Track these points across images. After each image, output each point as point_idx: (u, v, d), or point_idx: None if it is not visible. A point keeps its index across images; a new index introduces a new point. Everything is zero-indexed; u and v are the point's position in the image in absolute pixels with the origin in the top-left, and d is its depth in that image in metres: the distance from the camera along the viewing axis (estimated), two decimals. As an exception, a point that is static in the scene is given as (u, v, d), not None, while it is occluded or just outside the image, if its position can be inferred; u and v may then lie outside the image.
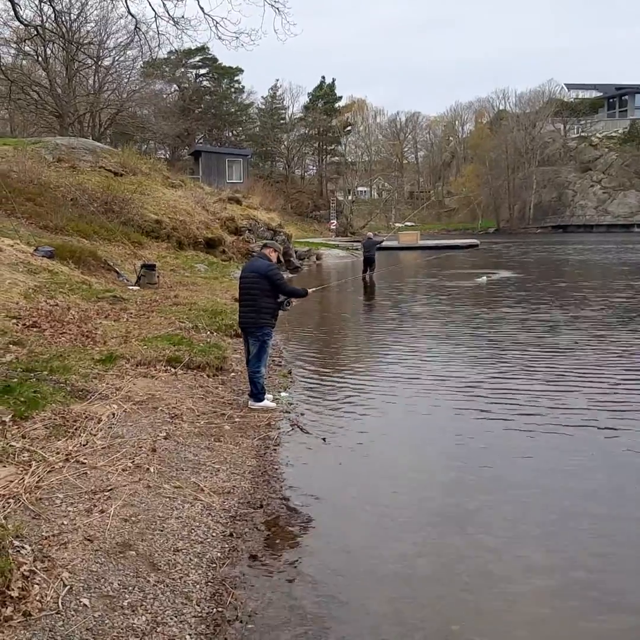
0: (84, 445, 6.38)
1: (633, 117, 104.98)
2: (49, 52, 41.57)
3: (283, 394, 9.59)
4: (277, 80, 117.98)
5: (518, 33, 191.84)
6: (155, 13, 22.65)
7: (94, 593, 4.17)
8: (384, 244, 39.01)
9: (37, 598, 3.99)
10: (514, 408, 8.86)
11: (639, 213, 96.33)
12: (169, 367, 9.68)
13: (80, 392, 7.85)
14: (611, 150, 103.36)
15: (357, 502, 6.18)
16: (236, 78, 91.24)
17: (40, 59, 42.55)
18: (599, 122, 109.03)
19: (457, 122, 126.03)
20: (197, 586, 4.49)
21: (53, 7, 26.39)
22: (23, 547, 4.42)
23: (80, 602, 4.06)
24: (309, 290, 9.25)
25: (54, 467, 5.79)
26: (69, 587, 4.17)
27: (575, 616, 4.42)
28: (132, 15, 24.74)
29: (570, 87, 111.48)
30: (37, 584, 4.11)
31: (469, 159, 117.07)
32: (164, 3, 21.93)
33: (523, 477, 6.65)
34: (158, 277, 17.49)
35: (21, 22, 25.08)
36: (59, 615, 3.90)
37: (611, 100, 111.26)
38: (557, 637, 4.29)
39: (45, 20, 31.00)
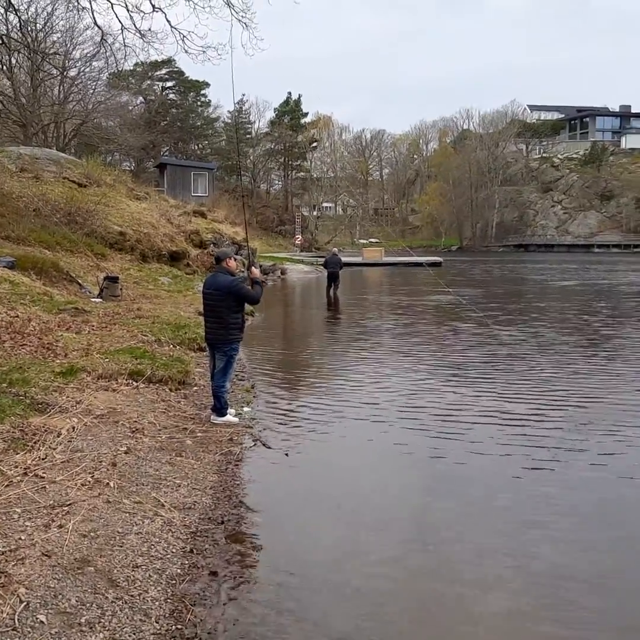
0: (43, 459, 6.30)
1: (594, 139, 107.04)
2: (13, 61, 41.16)
3: (246, 408, 9.57)
4: (244, 94, 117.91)
5: (482, 54, 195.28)
6: (122, 25, 22.53)
7: (51, 609, 4.11)
8: (349, 260, 39.22)
9: (-7, 615, 3.92)
10: (459, 417, 8.96)
11: (599, 233, 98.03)
12: (130, 381, 9.61)
13: (39, 405, 7.76)
14: (572, 171, 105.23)
15: (319, 517, 6.17)
16: (202, 92, 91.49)
17: (4, 68, 42.09)
18: (560, 143, 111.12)
19: (421, 141, 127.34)
20: (156, 603, 4.44)
21: (19, 17, 26.13)
22: (-21, 563, 4.35)
23: (37, 618, 4.00)
24: (256, 275, 8.97)
25: (11, 481, 5.71)
26: (25, 603, 4.11)
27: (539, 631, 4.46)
28: (99, 27, 24.55)
29: (533, 108, 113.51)
30: (-7, 600, 4.04)
31: (432, 177, 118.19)
32: (130, 15, 21.84)
33: (490, 496, 6.71)
34: (121, 289, 17.38)
35: (-15, 31, 24.83)
36: (15, 632, 3.84)
37: (573, 122, 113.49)
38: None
39: (10, 30, 30.70)
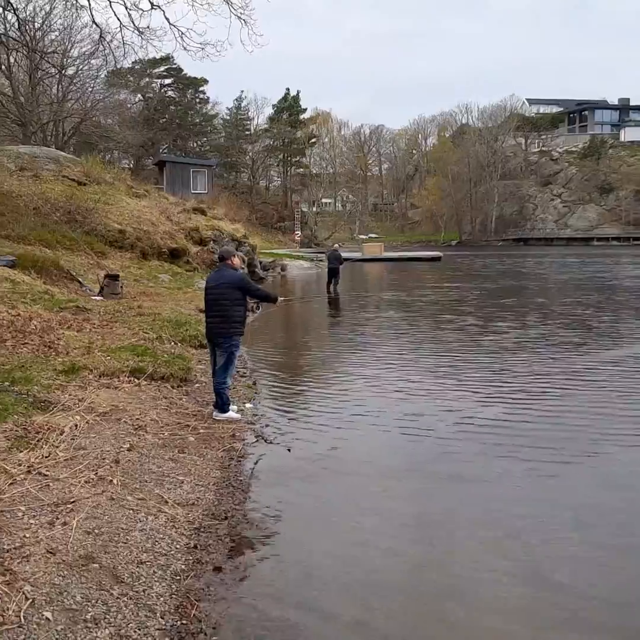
0: (46, 457, 6.31)
1: (593, 132, 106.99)
2: (12, 60, 41.14)
3: (248, 405, 9.58)
4: (242, 91, 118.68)
5: (480, 49, 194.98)
6: (120, 23, 22.45)
7: (56, 606, 4.13)
8: (349, 255, 39.26)
9: (-1, 612, 3.94)
10: (455, 410, 8.97)
11: (598, 227, 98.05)
12: (132, 378, 9.62)
13: (42, 404, 7.77)
14: (571, 164, 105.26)
15: (322, 512, 6.19)
16: (201, 88, 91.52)
17: (3, 67, 42.07)
18: (559, 136, 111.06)
19: (420, 136, 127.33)
20: (161, 599, 4.46)
21: (17, 16, 26.13)
22: (-16, 561, 4.37)
23: (42, 615, 4.01)
24: (280, 298, 9.48)
25: (15, 479, 5.72)
26: (31, 600, 4.11)
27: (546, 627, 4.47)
28: (97, 25, 24.51)
29: (532, 102, 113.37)
30: (-1, 597, 4.06)
31: (431, 172, 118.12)
32: (129, 13, 21.85)
33: (495, 487, 6.73)
34: (122, 287, 17.38)
35: (-17, 30, 24.81)
36: (21, 629, 3.85)
37: (572, 115, 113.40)
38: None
39: (8, 29, 30.72)
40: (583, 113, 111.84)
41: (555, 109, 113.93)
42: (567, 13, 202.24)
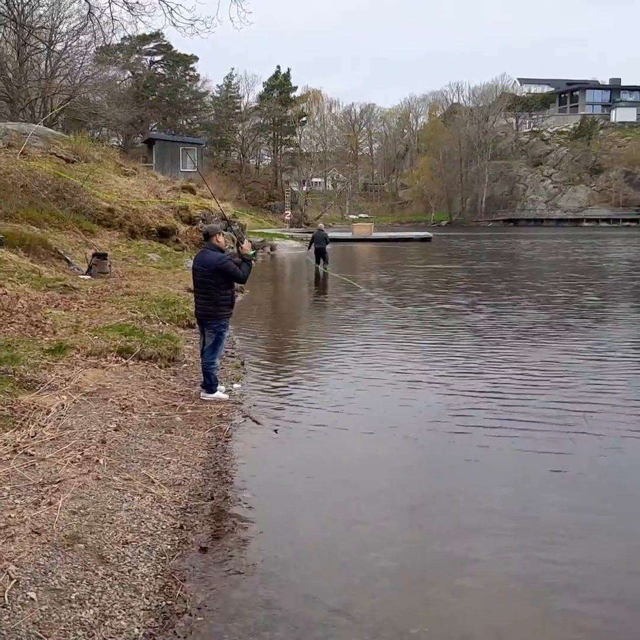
0: (32, 436, 6.30)
1: (583, 113, 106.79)
2: (0, 35, 40.64)
3: (235, 385, 9.57)
4: (233, 69, 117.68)
5: (472, 28, 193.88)
6: (109, -2, 22.08)
7: (41, 586, 4.13)
8: (339, 235, 39.04)
9: (-17, 592, 3.94)
10: (456, 401, 9.01)
11: (588, 208, 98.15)
12: (120, 358, 9.60)
13: (28, 383, 7.75)
14: (562, 145, 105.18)
15: (308, 493, 6.21)
16: (191, 66, 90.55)
17: (-10, 42, 41.56)
18: (550, 117, 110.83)
19: (411, 115, 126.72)
20: (146, 579, 4.46)
21: (4, -11, 25.75)
22: (-32, 541, 4.36)
23: (27, 595, 4.02)
24: (246, 251, 8.78)
25: (1, 459, 5.72)
26: (15, 580, 4.12)
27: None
28: (86, 0, 24.10)
29: (523, 81, 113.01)
30: (-17, 578, 4.06)
31: (422, 151, 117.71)
32: (117, -12, 21.40)
33: (483, 464, 6.76)
34: (110, 266, 17.28)
35: (-30, 4, 24.40)
36: (5, 609, 3.86)
37: (563, 95, 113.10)
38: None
39: (-5, 3, 30.26)
40: (574, 93, 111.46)
41: (546, 89, 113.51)
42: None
